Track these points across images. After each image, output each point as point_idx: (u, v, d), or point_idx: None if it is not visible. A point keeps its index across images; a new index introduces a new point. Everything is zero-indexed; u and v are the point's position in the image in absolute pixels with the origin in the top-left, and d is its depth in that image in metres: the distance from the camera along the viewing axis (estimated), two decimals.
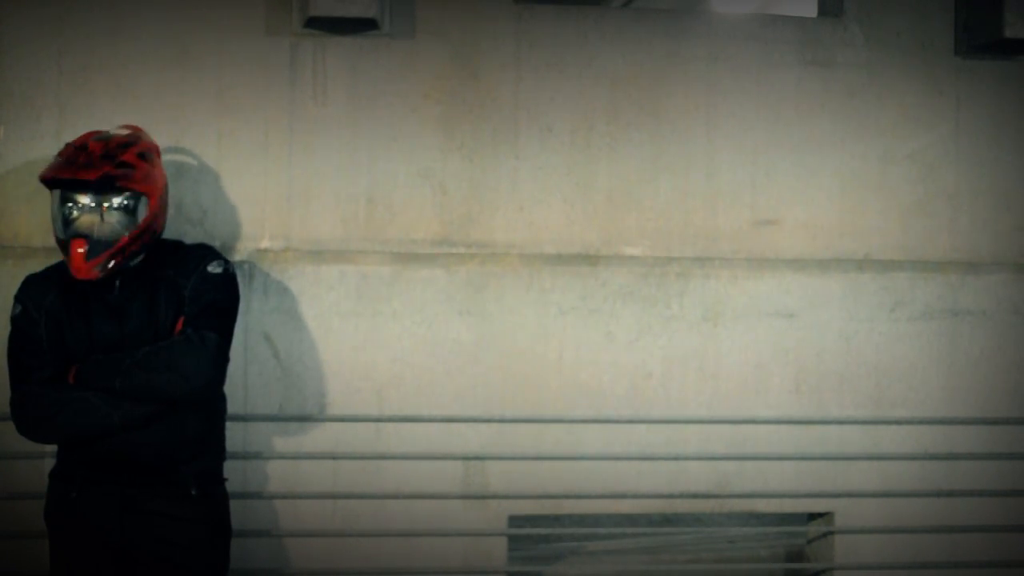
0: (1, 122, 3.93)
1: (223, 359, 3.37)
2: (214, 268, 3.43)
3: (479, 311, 4.09)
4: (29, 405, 3.32)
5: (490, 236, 4.11)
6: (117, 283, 3.37)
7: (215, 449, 3.50)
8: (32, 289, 3.43)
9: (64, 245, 3.32)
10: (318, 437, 4.03)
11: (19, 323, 3.40)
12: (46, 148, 3.91)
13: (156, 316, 3.36)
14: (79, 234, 3.30)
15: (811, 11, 4.49)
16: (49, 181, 3.36)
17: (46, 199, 3.90)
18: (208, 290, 3.39)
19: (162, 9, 3.96)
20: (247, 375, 3.94)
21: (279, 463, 4.02)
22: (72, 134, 3.79)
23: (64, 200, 3.34)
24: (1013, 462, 4.32)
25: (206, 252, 3.49)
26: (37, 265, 3.57)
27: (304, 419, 4.02)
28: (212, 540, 3.44)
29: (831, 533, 4.29)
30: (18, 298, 3.43)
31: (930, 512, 4.28)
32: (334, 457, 4.04)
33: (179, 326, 3.36)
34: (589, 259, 4.15)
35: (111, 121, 3.73)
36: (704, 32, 4.22)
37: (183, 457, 3.38)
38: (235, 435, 3.59)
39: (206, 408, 3.45)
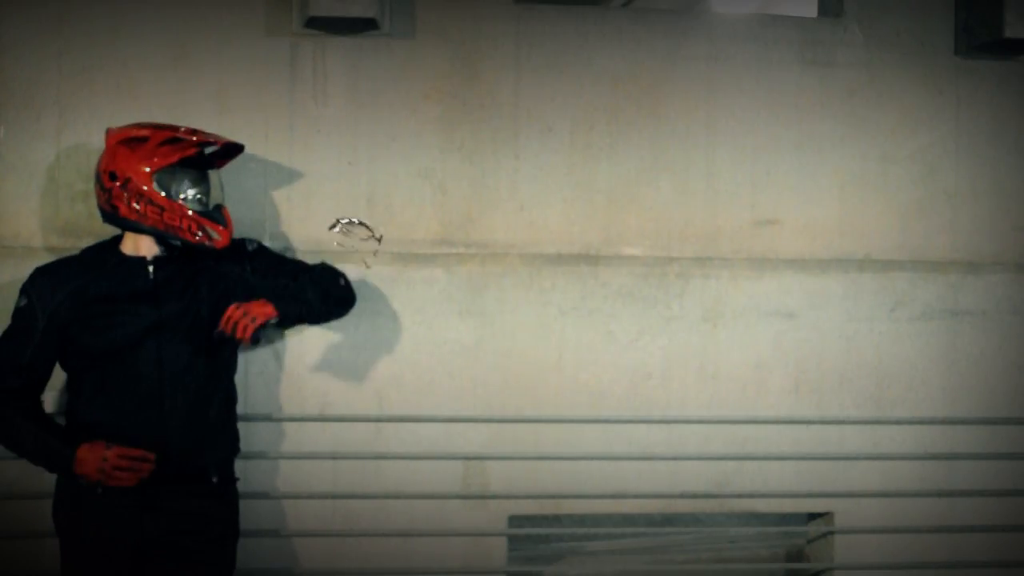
0: (1, 122, 3.92)
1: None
2: (251, 245, 3.69)
3: (479, 311, 4.09)
4: None
5: (490, 236, 4.11)
6: (151, 268, 3.44)
7: (232, 437, 3.57)
8: (43, 284, 3.41)
9: (205, 216, 3.46)
10: (318, 437, 4.03)
11: (19, 317, 3.40)
12: (46, 148, 3.91)
13: (196, 301, 3.44)
14: (221, 204, 3.56)
15: (811, 11, 4.49)
16: (197, 146, 3.48)
17: (46, 199, 3.90)
18: (272, 256, 3.71)
19: (162, 9, 3.96)
20: (247, 375, 3.94)
21: (279, 463, 4.02)
22: (72, 134, 3.80)
23: (200, 173, 3.51)
24: (1013, 462, 4.32)
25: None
26: (37, 266, 3.56)
27: (304, 419, 4.02)
28: (226, 539, 3.48)
29: (831, 533, 4.29)
30: (26, 290, 3.42)
31: (930, 512, 4.28)
32: (334, 457, 4.04)
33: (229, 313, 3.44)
34: (589, 259, 4.15)
35: (111, 121, 3.72)
36: (704, 32, 4.22)
37: (207, 443, 3.43)
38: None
39: (225, 392, 3.53)
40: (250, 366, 3.95)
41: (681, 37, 4.19)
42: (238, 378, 3.68)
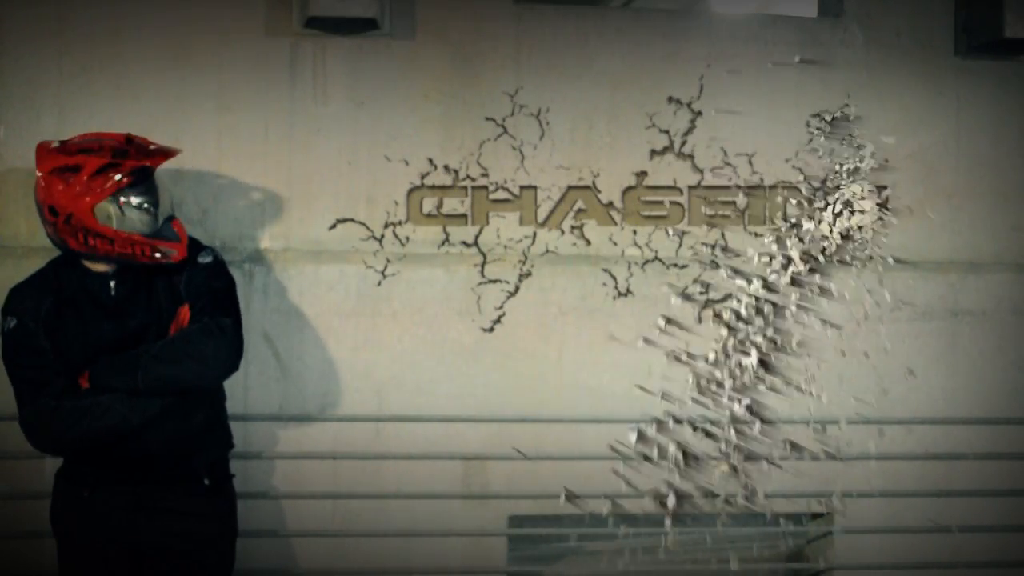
0: (1, 122, 3.93)
1: (240, 342, 3.36)
2: (204, 258, 3.42)
3: (479, 310, 4.09)
4: (46, 420, 3.23)
5: (490, 236, 4.11)
6: (112, 283, 3.34)
7: (222, 437, 3.51)
8: (24, 299, 3.32)
9: (156, 236, 3.30)
10: (318, 437, 4.03)
11: (18, 337, 3.28)
12: None
13: (158, 311, 3.34)
14: (171, 216, 3.38)
15: (811, 11, 4.49)
16: (132, 174, 3.27)
17: None
18: (206, 279, 3.39)
19: (162, 9, 3.96)
20: (247, 375, 3.94)
21: (279, 463, 4.02)
22: (72, 134, 3.78)
23: (143, 193, 3.31)
24: (1013, 462, 4.32)
25: (192, 243, 3.45)
26: (36, 266, 3.55)
27: (304, 419, 4.02)
28: (222, 537, 3.46)
29: (831, 533, 4.29)
30: (10, 311, 3.31)
31: (930, 512, 4.28)
32: (334, 457, 4.04)
33: (182, 316, 3.32)
34: (589, 259, 4.14)
35: (111, 121, 3.73)
36: (704, 33, 4.22)
37: (194, 448, 3.38)
38: (235, 435, 3.58)
39: (210, 396, 3.45)
40: (250, 366, 3.95)
41: (681, 38, 4.19)
42: (238, 378, 3.67)
